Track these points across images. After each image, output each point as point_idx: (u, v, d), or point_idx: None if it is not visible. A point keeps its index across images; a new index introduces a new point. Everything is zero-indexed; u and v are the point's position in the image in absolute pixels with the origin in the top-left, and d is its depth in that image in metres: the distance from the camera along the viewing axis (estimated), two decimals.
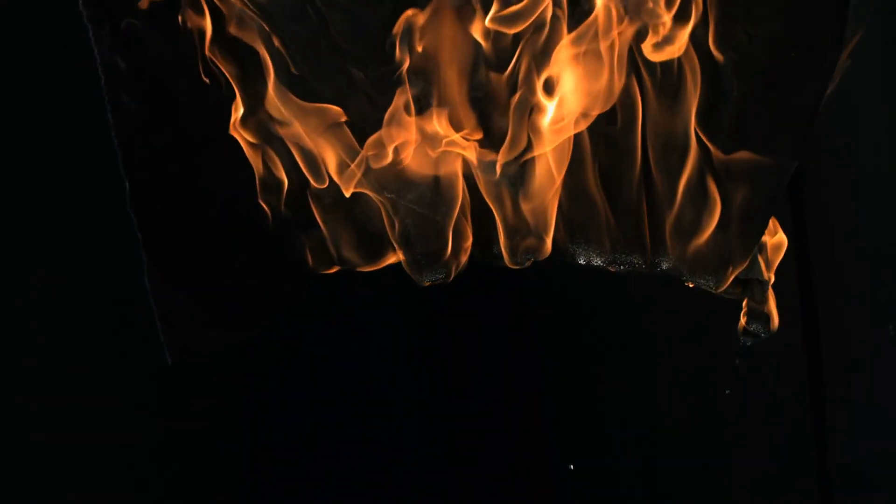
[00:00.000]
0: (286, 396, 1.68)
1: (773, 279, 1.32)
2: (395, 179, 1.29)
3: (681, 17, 1.20)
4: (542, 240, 1.33)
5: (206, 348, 1.37)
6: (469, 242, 1.35)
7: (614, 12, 1.21)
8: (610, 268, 1.34)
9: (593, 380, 1.78)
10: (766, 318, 1.32)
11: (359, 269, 1.37)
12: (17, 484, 1.45)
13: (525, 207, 1.31)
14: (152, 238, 1.28)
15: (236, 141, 1.31)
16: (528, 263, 1.35)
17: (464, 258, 1.34)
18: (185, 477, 1.62)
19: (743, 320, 1.33)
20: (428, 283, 1.34)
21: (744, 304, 1.34)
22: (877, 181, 1.48)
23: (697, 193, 1.27)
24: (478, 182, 1.30)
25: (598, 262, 1.34)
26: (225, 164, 1.35)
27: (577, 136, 1.28)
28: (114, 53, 1.22)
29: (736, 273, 1.27)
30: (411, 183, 1.30)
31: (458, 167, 1.30)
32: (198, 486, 1.64)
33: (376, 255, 1.35)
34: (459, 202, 1.31)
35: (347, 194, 1.29)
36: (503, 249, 1.33)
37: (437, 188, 1.31)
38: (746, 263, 1.26)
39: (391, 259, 1.35)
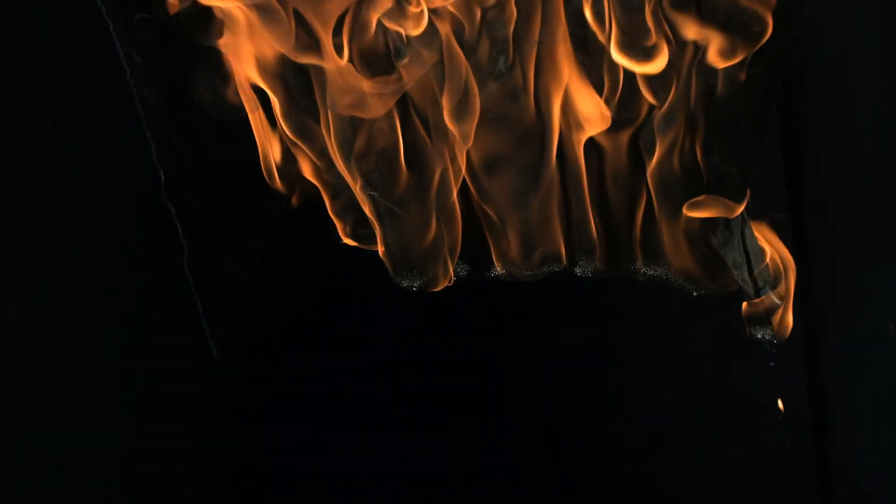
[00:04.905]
0: (285, 395, 1.71)
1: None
2: (380, 177, 1.30)
3: None
4: (557, 245, 1.33)
5: (245, 338, 1.37)
6: (454, 256, 1.34)
7: None
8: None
9: (595, 379, 1.79)
10: (767, 321, 1.31)
11: (365, 247, 1.38)
12: (16, 483, 1.46)
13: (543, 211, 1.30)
14: (189, 228, 1.28)
15: (248, 130, 1.35)
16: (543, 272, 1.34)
17: (446, 270, 1.33)
18: (181, 476, 1.64)
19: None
20: (408, 286, 1.34)
21: (743, 310, 1.33)
22: (877, 181, 1.47)
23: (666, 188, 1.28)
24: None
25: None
26: (238, 156, 1.39)
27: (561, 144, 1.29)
28: (130, 48, 1.24)
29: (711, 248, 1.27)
30: (395, 184, 1.30)
31: (445, 175, 1.30)
32: (194, 484, 1.67)
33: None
34: (447, 210, 1.31)
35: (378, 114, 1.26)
36: (509, 260, 1.32)
37: (422, 192, 1.30)
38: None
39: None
